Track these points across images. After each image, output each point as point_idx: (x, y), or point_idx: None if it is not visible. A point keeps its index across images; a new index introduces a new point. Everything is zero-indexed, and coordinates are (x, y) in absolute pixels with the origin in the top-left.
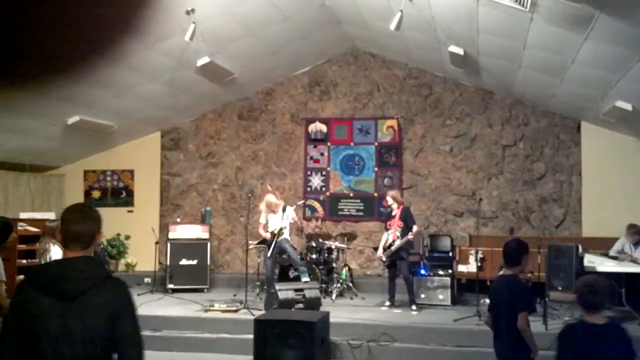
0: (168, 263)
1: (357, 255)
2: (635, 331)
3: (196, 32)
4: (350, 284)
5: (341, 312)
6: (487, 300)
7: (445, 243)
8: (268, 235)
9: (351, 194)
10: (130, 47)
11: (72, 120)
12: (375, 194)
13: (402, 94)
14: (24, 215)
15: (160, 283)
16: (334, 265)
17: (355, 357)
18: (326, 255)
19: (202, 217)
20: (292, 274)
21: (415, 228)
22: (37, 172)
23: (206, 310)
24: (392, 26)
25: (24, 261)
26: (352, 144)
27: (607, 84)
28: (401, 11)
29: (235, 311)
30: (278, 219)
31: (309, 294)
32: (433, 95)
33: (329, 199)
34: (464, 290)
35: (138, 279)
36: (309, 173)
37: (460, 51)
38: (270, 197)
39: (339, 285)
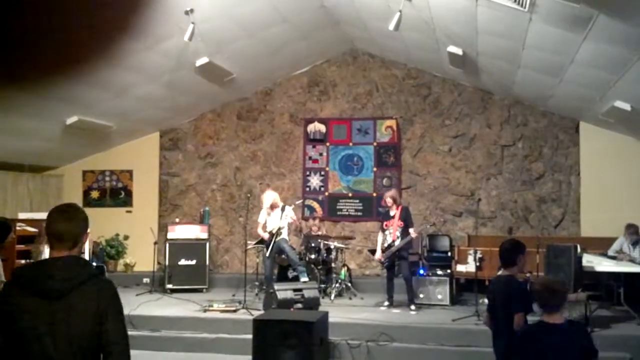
0: (167, 263)
1: (355, 255)
2: (634, 330)
3: (195, 32)
4: (349, 284)
5: (340, 312)
6: (486, 300)
7: (444, 243)
8: (266, 235)
9: (350, 194)
10: (129, 47)
11: (70, 120)
12: (374, 194)
13: (401, 94)
14: (22, 215)
15: (159, 283)
16: (333, 265)
17: (354, 357)
18: (325, 255)
19: (201, 217)
20: (291, 274)
21: (413, 230)
22: (35, 172)
23: (205, 311)
24: (391, 26)
25: (23, 261)
26: (350, 144)
27: (605, 84)
28: (400, 11)
29: (234, 311)
30: (277, 218)
31: (307, 294)
32: (432, 96)
33: (327, 199)
34: (463, 290)
35: (137, 279)
36: (307, 173)
37: (459, 51)
38: (276, 196)
39: (337, 285)
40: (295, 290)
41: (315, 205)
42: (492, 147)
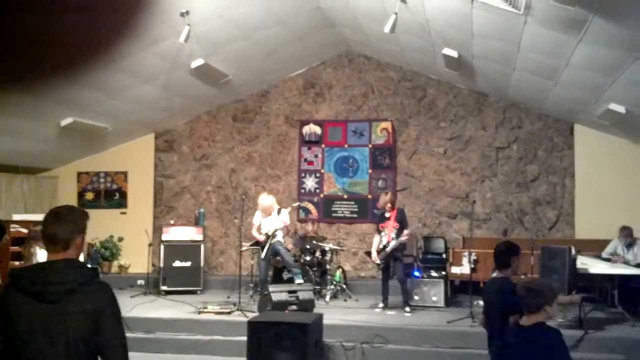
0: (161, 265)
1: (350, 257)
2: (628, 332)
3: (191, 34)
4: (344, 286)
5: (335, 313)
6: (482, 302)
7: (438, 245)
8: (261, 237)
9: (345, 196)
10: (124, 49)
11: (65, 121)
12: (369, 196)
13: (396, 96)
14: (16, 217)
15: (153, 285)
16: (328, 267)
17: (348, 359)
18: (320, 257)
19: (196, 218)
20: (285, 275)
21: (406, 232)
22: (30, 173)
23: (199, 312)
24: (387, 29)
25: (17, 263)
26: (346, 145)
27: (600, 86)
28: (396, 14)
29: (229, 313)
30: (272, 220)
31: (302, 295)
32: (427, 98)
33: (323, 200)
34: (458, 291)
35: (131, 281)
36: (303, 175)
37: (455, 54)
38: (273, 201)
39: (332, 287)
40: (290, 292)
41: (311, 207)
42: (487, 149)
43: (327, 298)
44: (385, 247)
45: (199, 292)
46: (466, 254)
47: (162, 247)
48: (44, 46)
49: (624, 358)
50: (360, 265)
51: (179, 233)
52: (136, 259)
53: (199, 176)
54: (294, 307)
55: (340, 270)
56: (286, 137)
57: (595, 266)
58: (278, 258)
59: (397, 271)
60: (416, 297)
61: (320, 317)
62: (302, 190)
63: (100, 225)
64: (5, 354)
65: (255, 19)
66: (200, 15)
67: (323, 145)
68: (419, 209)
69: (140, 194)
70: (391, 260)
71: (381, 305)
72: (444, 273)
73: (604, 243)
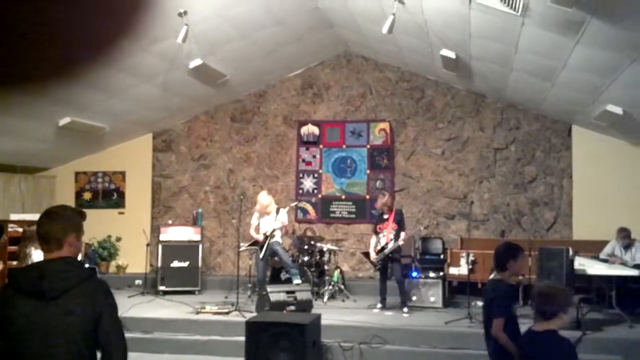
0: (159, 265)
1: (348, 258)
2: (626, 333)
3: (189, 34)
4: (342, 286)
5: (333, 314)
6: (480, 303)
7: (436, 245)
8: (260, 237)
9: (343, 197)
10: (123, 48)
11: (63, 121)
12: (367, 197)
13: (394, 97)
14: (14, 216)
15: (151, 285)
16: (326, 267)
17: (346, 359)
18: (318, 257)
19: (194, 219)
20: (283, 276)
21: (403, 234)
22: (28, 173)
23: (197, 313)
24: (385, 29)
25: (14, 262)
26: (344, 146)
27: (598, 88)
28: (393, 15)
29: (227, 313)
30: (271, 220)
31: (300, 296)
32: (425, 99)
33: (320, 201)
34: (455, 292)
35: (129, 281)
36: (301, 175)
37: (452, 55)
38: (272, 202)
39: (330, 287)
40: (288, 292)
41: (309, 207)
42: (485, 150)
43: (325, 298)
44: (383, 248)
45: (196, 292)
46: (464, 254)
47: (160, 247)
48: (43, 46)
49: (621, 359)
50: (358, 265)
51: (177, 233)
52: (134, 259)
53: (197, 176)
54: (292, 307)
55: (338, 270)
56: (284, 137)
57: (593, 267)
58: (276, 258)
59: (395, 272)
60: (414, 298)
61: (318, 317)
62: (300, 191)
63: (98, 225)
64: (5, 354)
65: (254, 19)
66: (198, 15)
67: (321, 146)
68: (417, 210)
69: (138, 194)
70: (389, 261)
71: (379, 305)
72: (441, 274)
73: (602, 244)
